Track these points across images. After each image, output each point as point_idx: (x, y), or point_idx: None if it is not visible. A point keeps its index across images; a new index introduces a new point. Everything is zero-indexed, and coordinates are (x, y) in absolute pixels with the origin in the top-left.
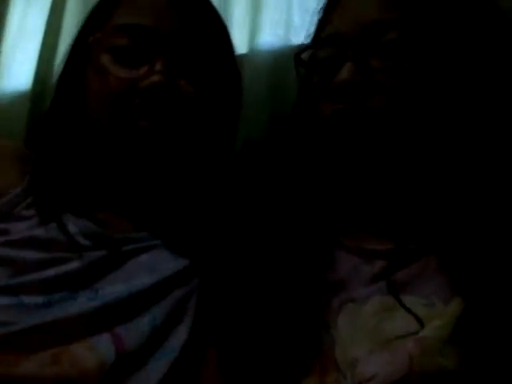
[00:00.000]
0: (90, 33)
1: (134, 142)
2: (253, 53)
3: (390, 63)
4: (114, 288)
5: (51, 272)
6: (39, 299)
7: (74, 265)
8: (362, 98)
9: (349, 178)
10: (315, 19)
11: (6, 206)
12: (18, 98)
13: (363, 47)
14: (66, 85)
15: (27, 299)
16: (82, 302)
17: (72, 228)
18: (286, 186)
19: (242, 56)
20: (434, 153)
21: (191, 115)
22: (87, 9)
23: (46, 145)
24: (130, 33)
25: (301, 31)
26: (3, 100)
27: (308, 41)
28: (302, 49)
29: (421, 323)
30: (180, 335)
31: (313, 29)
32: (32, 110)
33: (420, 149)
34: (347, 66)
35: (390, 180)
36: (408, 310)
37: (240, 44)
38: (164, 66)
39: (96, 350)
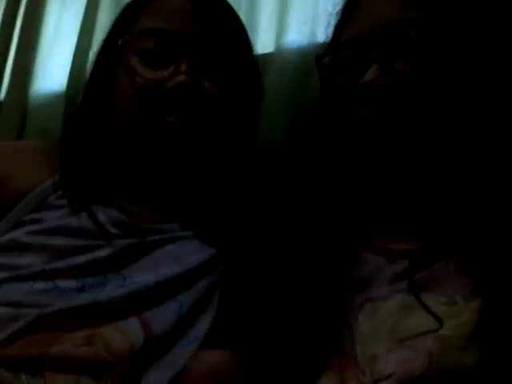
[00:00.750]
0: (118, 36)
1: (161, 137)
2: (280, 51)
3: (414, 64)
4: (142, 275)
5: (83, 258)
6: (73, 283)
7: (104, 252)
8: (390, 101)
9: (375, 180)
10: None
11: (39, 197)
12: (53, 99)
13: (388, 49)
14: (95, 85)
15: (62, 283)
16: (112, 289)
17: (101, 217)
18: (314, 187)
19: (269, 54)
20: (459, 154)
21: (214, 112)
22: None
23: (76, 140)
24: (156, 36)
25: (327, 30)
26: (39, 100)
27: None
28: (322, 53)
29: (440, 321)
30: (204, 324)
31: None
32: (66, 109)
33: (446, 150)
34: (373, 69)
35: (416, 181)
36: (427, 309)
37: (267, 43)
38: (189, 67)
39: (127, 334)
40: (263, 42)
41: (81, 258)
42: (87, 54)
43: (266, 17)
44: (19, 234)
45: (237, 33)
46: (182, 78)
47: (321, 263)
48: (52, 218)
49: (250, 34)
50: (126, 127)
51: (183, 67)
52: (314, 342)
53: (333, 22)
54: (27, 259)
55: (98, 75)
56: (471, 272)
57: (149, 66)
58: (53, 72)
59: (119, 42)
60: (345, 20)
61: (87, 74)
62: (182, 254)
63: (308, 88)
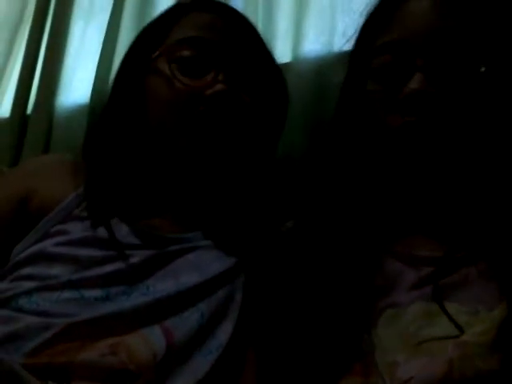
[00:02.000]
0: (150, 46)
1: (197, 145)
2: (297, 61)
3: (460, 73)
4: (164, 285)
5: (108, 268)
6: (98, 293)
7: (128, 262)
8: (435, 110)
9: (409, 186)
10: (359, 26)
11: (64, 209)
12: (77, 111)
13: (433, 57)
14: (122, 95)
15: (87, 293)
16: (136, 297)
17: (124, 229)
18: (336, 194)
19: (286, 64)
20: (495, 164)
21: (246, 121)
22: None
23: (99, 152)
24: (193, 44)
25: (344, 39)
26: (65, 113)
27: (352, 48)
28: (356, 57)
29: (461, 330)
30: (225, 332)
31: (356, 36)
32: (90, 121)
33: (483, 159)
34: (417, 76)
35: (449, 188)
36: (449, 317)
37: (284, 52)
38: (226, 77)
39: (149, 342)
40: (280, 52)
41: (106, 268)
42: (110, 68)
43: (283, 26)
44: (47, 245)
45: (262, 46)
46: (220, 86)
47: (343, 269)
48: (78, 230)
49: (267, 43)
50: (157, 132)
51: (221, 77)
52: (336, 347)
53: (352, 29)
54: (55, 269)
55: (126, 84)
56: (498, 279)
57: (187, 74)
58: (77, 86)
59: (156, 52)
60: (381, 23)
61: (110, 87)
62: (203, 263)
63: (325, 97)
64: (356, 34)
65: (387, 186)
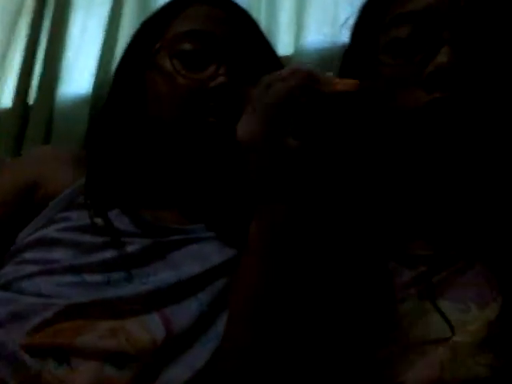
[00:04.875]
0: (150, 40)
1: (202, 137)
2: (299, 53)
3: (489, 48)
4: (164, 273)
5: (108, 254)
6: (99, 278)
7: (129, 249)
8: (465, 86)
9: (415, 181)
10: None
11: (68, 197)
12: (79, 102)
13: (461, 30)
14: (123, 89)
15: (89, 277)
16: (136, 284)
17: (125, 219)
18: (334, 193)
19: (289, 56)
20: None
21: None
22: (143, 19)
23: (101, 143)
24: (193, 38)
25: (347, 30)
26: (66, 104)
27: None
28: (363, 31)
29: (452, 329)
30: (224, 321)
31: (360, 12)
32: (92, 112)
33: (498, 148)
34: (445, 50)
35: (455, 182)
36: (442, 316)
37: (286, 44)
38: (227, 69)
39: (148, 329)
40: (282, 44)
41: (106, 254)
42: (111, 59)
43: (285, 18)
44: (50, 231)
45: (262, 37)
46: (222, 78)
47: (341, 270)
48: (80, 217)
49: (269, 35)
50: (162, 127)
51: (222, 70)
52: (327, 347)
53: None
54: (57, 254)
55: (126, 79)
56: (492, 277)
57: (188, 68)
58: (79, 77)
59: (156, 46)
60: None
61: (111, 79)
62: (205, 254)
63: None
64: (360, 10)
65: (388, 186)
